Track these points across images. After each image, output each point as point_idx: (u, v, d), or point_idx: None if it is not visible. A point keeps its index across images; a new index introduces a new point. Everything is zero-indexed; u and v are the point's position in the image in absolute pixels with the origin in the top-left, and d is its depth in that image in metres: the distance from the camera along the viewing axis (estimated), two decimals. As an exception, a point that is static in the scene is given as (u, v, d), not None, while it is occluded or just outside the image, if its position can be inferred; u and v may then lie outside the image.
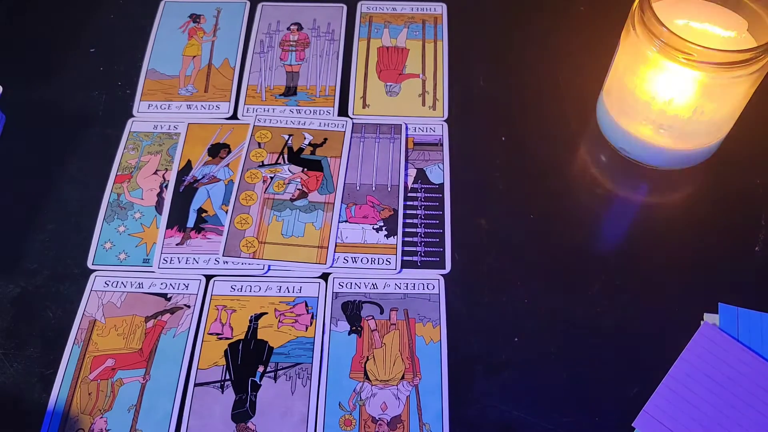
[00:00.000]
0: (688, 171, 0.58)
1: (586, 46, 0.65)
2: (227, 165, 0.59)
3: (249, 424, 0.47)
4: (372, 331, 0.51)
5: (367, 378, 0.49)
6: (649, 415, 0.47)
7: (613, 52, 0.56)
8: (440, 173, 0.58)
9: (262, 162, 0.58)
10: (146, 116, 0.62)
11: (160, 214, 0.56)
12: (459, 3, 0.69)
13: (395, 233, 0.55)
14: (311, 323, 0.51)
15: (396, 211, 0.56)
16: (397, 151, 0.59)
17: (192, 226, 0.55)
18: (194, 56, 0.65)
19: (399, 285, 0.53)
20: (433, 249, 0.54)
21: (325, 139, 0.60)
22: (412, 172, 0.58)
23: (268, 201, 0.56)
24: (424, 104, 0.62)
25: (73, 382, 0.49)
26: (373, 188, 0.57)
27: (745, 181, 0.58)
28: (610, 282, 0.53)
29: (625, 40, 0.53)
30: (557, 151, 0.60)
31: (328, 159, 0.59)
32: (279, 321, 0.51)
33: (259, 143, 0.59)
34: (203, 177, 0.58)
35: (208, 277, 0.53)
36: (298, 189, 0.57)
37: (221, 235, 0.55)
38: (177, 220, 0.56)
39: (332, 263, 0.54)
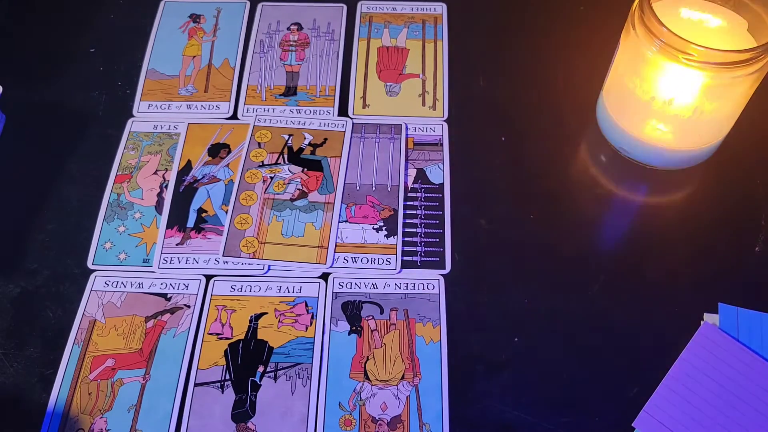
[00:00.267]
0: (688, 171, 0.58)
1: (586, 46, 0.65)
2: (227, 165, 0.59)
3: (249, 424, 0.47)
4: (372, 331, 0.51)
5: (367, 378, 0.49)
6: (649, 415, 0.47)
7: (613, 52, 0.56)
8: (440, 173, 0.58)
9: (262, 162, 0.58)
10: (146, 116, 0.62)
11: (160, 214, 0.56)
12: (459, 3, 0.68)
13: (395, 233, 0.55)
14: (311, 323, 0.51)
15: (396, 211, 0.56)
16: (397, 151, 0.59)
17: (192, 226, 0.55)
18: (194, 56, 0.65)
19: (399, 285, 0.53)
20: (433, 249, 0.54)
21: (325, 139, 0.60)
22: (412, 172, 0.58)
23: (268, 201, 0.56)
24: (424, 104, 0.62)
25: (73, 382, 0.49)
26: (373, 188, 0.57)
27: (745, 181, 0.58)
28: (610, 282, 0.53)
29: (625, 40, 0.53)
30: (557, 151, 0.60)
31: (328, 159, 0.59)
32: (279, 321, 0.51)
33: (259, 143, 0.59)
34: (203, 177, 0.58)
35: (208, 277, 0.53)
36: (298, 189, 0.57)
37: (221, 235, 0.55)
38: (177, 220, 0.56)
39: (332, 263, 0.54)
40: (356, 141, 0.60)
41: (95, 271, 0.54)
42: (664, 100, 0.52)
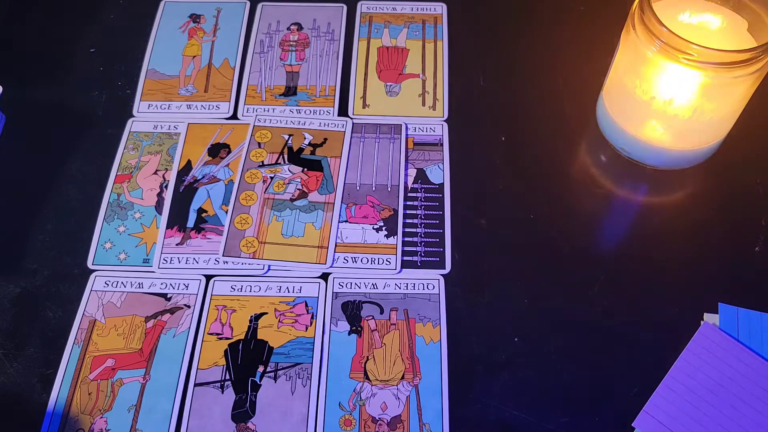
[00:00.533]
0: (688, 171, 0.58)
1: (586, 46, 0.65)
2: (227, 165, 0.59)
3: (249, 424, 0.47)
4: (372, 331, 0.51)
5: (367, 378, 0.49)
6: (649, 415, 0.47)
7: (613, 52, 0.56)
8: (440, 173, 0.58)
9: (262, 162, 0.58)
10: (146, 116, 0.62)
11: (160, 214, 0.56)
12: (459, 3, 0.69)
13: (395, 233, 0.55)
14: (311, 323, 0.51)
15: (396, 211, 0.56)
16: (397, 151, 0.59)
17: (192, 226, 0.55)
18: (194, 56, 0.65)
19: (399, 285, 0.53)
20: (433, 249, 0.54)
21: (325, 139, 0.60)
22: (412, 172, 0.58)
23: (268, 201, 0.56)
24: (424, 104, 0.62)
25: (73, 382, 0.49)
26: (373, 188, 0.57)
27: (745, 181, 0.58)
28: (610, 282, 0.53)
29: (625, 40, 0.53)
30: (557, 151, 0.60)
31: (328, 159, 0.59)
32: (279, 321, 0.51)
33: (259, 143, 0.59)
34: (203, 177, 0.58)
35: (208, 277, 0.53)
36: (298, 189, 0.57)
37: (221, 235, 0.55)
38: (177, 220, 0.56)
39: (332, 263, 0.54)
40: (356, 141, 0.60)
41: (95, 271, 0.54)
42: (663, 100, 0.52)
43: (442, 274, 0.53)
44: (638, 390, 0.48)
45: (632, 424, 0.47)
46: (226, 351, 0.50)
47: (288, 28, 0.67)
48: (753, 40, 0.52)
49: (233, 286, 0.53)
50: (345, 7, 0.68)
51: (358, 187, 0.57)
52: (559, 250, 0.54)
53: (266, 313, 0.52)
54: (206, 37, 0.66)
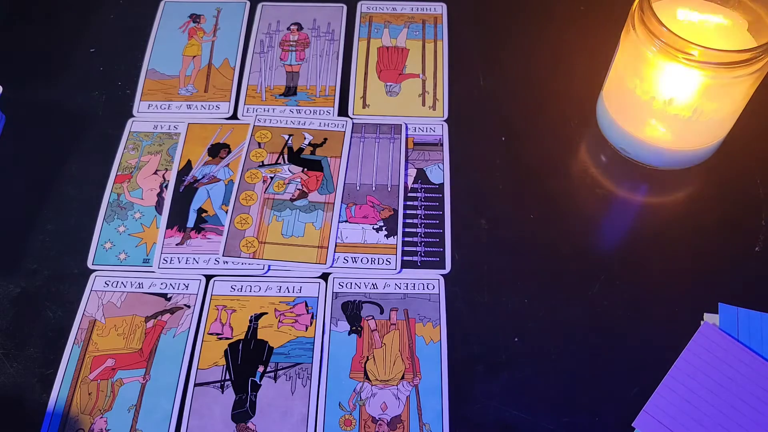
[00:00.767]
0: (688, 171, 0.58)
1: (586, 46, 0.65)
2: (227, 165, 0.59)
3: (249, 424, 0.47)
4: (372, 331, 0.51)
5: (367, 378, 0.49)
6: (649, 415, 0.47)
7: (613, 52, 0.56)
8: (440, 173, 0.58)
9: (262, 162, 0.58)
10: (146, 116, 0.62)
11: (160, 214, 0.56)
12: (459, 3, 0.69)
13: (395, 233, 0.55)
14: (311, 323, 0.51)
15: (396, 211, 0.56)
16: (397, 151, 0.59)
17: (192, 226, 0.55)
18: (194, 56, 0.65)
19: (399, 285, 0.53)
20: (433, 249, 0.54)
21: (325, 139, 0.60)
22: (412, 172, 0.58)
23: (268, 201, 0.56)
24: (424, 104, 0.62)
25: (73, 382, 0.49)
26: (373, 188, 0.57)
27: (745, 181, 0.58)
28: (610, 282, 0.53)
29: (625, 40, 0.53)
30: (557, 151, 0.60)
31: (328, 159, 0.59)
32: (279, 321, 0.51)
33: (259, 143, 0.59)
34: (203, 177, 0.58)
35: (208, 277, 0.53)
36: (298, 189, 0.57)
37: (221, 235, 0.55)
38: (177, 220, 0.56)
39: (332, 263, 0.54)
40: (356, 141, 0.60)
41: (95, 271, 0.54)
42: (664, 100, 0.52)
43: (442, 274, 0.53)
44: (638, 390, 0.48)
45: (632, 424, 0.47)
46: (226, 351, 0.50)
47: (288, 28, 0.67)
48: (753, 40, 0.52)
49: (233, 286, 0.53)
50: (345, 7, 0.68)
51: (358, 187, 0.57)
52: (559, 250, 0.54)
53: (266, 313, 0.52)
54: (206, 37, 0.66)
